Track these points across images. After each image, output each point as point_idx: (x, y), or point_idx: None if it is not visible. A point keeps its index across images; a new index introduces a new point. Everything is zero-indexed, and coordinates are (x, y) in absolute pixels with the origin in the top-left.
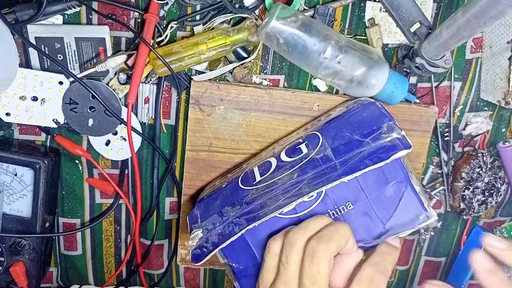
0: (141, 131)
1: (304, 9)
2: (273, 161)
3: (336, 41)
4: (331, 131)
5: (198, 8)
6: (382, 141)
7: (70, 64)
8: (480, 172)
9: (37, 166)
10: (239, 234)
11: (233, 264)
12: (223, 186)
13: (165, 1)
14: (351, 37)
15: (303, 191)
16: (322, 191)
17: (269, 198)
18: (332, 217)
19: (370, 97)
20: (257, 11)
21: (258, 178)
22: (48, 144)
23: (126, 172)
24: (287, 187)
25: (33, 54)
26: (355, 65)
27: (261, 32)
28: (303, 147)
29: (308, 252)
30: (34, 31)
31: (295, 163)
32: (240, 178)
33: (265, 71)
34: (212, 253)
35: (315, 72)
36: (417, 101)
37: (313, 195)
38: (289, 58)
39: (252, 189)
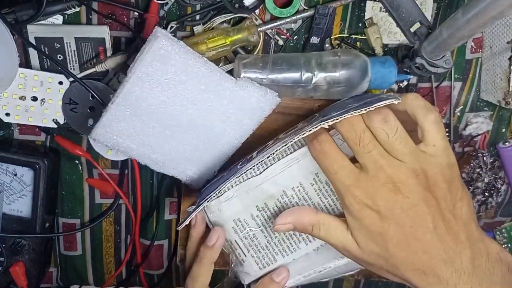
0: None
1: (304, 9)
2: (271, 142)
3: (306, 63)
4: (328, 109)
5: (198, 8)
6: (371, 99)
7: (70, 64)
8: (480, 172)
9: (37, 166)
10: (224, 188)
11: None
12: (224, 174)
13: (165, 1)
14: (349, 36)
15: (288, 140)
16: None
17: (257, 158)
18: None
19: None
20: (257, 11)
21: (254, 156)
22: (48, 144)
23: (126, 172)
24: (275, 144)
25: (33, 54)
26: (335, 75)
27: None
28: (299, 125)
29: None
30: (34, 31)
31: (288, 134)
32: (239, 163)
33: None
34: (197, 210)
35: (305, 95)
36: (411, 77)
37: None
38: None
39: (247, 164)
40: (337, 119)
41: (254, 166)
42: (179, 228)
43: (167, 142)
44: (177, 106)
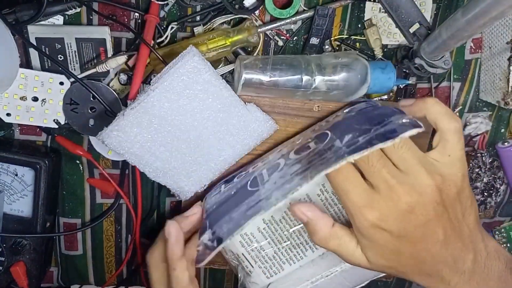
0: None
1: (304, 10)
2: (282, 162)
3: (307, 66)
4: (341, 127)
5: (198, 9)
6: (392, 125)
7: (71, 64)
8: (479, 172)
9: (38, 166)
10: (244, 226)
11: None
12: (232, 193)
13: (165, 2)
14: (348, 37)
15: (309, 174)
16: None
17: (275, 189)
18: None
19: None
20: (257, 12)
21: (266, 178)
22: (48, 145)
23: (127, 172)
24: (293, 176)
25: (34, 54)
26: (334, 78)
27: (237, 87)
28: (311, 144)
29: None
30: (34, 31)
31: (302, 157)
32: (249, 182)
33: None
34: (216, 250)
35: (304, 98)
36: (409, 82)
37: None
38: (275, 95)
39: (260, 188)
40: (363, 152)
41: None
42: (200, 266)
43: (172, 152)
44: (190, 120)
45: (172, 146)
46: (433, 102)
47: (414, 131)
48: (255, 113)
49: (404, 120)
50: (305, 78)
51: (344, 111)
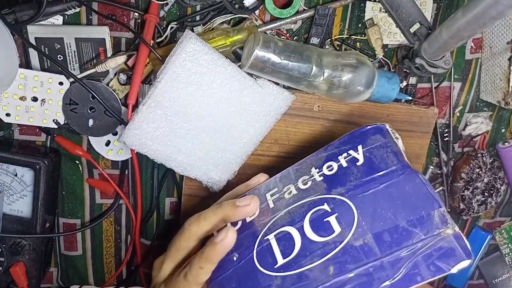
0: None
1: (304, 9)
2: (295, 234)
3: (318, 59)
4: (367, 203)
5: (198, 8)
6: (437, 239)
7: (70, 64)
8: (480, 172)
9: (37, 167)
10: None
11: None
12: (235, 258)
13: (165, 2)
14: (349, 37)
15: None
16: None
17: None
18: None
19: (364, 100)
20: (257, 12)
21: (280, 260)
22: (48, 145)
23: (126, 172)
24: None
25: (33, 54)
26: (342, 77)
27: (246, 63)
28: (333, 221)
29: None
30: (34, 31)
31: (327, 248)
32: (255, 254)
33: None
34: None
35: (306, 90)
36: (409, 98)
37: None
38: (278, 81)
39: (275, 276)
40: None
41: None
42: None
43: (193, 143)
44: (204, 105)
45: (192, 136)
46: None
47: (466, 263)
48: (267, 87)
49: (450, 233)
50: (315, 68)
51: (362, 149)
